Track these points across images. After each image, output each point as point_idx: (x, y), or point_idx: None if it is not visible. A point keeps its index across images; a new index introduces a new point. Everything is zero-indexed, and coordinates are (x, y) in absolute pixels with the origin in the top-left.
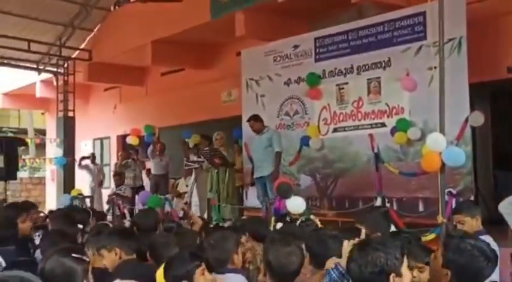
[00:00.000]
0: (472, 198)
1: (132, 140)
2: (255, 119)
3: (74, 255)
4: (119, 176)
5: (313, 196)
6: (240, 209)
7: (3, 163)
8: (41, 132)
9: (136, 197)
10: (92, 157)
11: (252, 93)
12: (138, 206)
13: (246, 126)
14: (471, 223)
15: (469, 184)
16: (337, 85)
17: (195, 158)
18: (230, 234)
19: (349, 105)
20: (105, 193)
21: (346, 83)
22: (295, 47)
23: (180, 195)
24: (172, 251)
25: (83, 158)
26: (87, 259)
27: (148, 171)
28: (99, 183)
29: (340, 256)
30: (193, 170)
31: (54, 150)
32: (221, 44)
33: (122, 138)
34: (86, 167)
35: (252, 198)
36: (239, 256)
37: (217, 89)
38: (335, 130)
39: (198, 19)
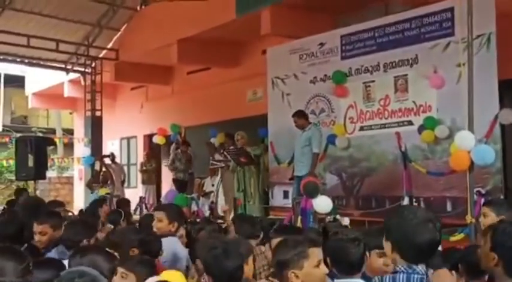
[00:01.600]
0: (502, 197)
1: (158, 140)
2: (299, 114)
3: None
4: (146, 173)
5: (340, 195)
6: (265, 208)
7: (32, 163)
8: (69, 132)
9: (163, 195)
10: (112, 156)
11: (277, 92)
12: None
13: (272, 125)
14: (494, 220)
15: (499, 183)
16: (363, 83)
17: (221, 158)
18: (243, 241)
19: (375, 103)
20: (130, 192)
21: (373, 81)
22: (321, 44)
23: (206, 195)
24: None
25: (103, 156)
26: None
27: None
28: (121, 183)
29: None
30: (219, 169)
31: (82, 149)
32: (247, 42)
33: (149, 138)
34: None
35: (279, 197)
36: (249, 265)
37: (243, 87)
38: (361, 128)
39: (223, 17)
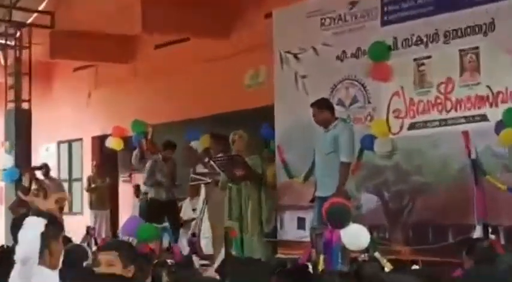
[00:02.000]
0: None
1: (113, 144)
2: (321, 105)
3: None
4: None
5: (380, 224)
6: (272, 243)
7: None
8: None
9: (121, 225)
10: (46, 168)
11: (288, 73)
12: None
13: (280, 122)
14: None
15: None
16: (415, 60)
17: (205, 170)
18: None
19: (432, 89)
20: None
21: (429, 57)
22: (353, 3)
23: (184, 224)
24: None
25: (33, 168)
26: None
27: (137, 188)
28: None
29: None
30: (203, 186)
31: (1, 158)
32: (243, 2)
33: (99, 141)
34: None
35: (291, 227)
36: None
37: (238, 67)
38: (412, 126)
39: None
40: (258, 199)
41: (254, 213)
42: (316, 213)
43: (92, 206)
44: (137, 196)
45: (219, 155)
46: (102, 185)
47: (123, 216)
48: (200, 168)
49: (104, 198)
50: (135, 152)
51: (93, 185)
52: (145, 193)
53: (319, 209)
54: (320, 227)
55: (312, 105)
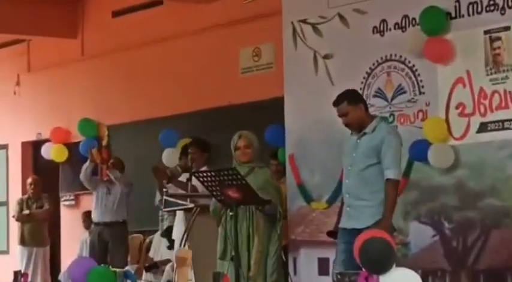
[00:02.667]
0: None
1: (53, 152)
2: (351, 98)
3: None
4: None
5: (438, 268)
6: None
7: None
8: None
9: (63, 271)
10: None
11: (304, 52)
12: None
13: (292, 121)
14: None
15: None
16: (486, 33)
17: (183, 189)
18: None
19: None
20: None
21: (507, 28)
22: None
23: (152, 268)
24: None
25: None
26: None
27: (87, 216)
28: None
29: None
30: (181, 214)
31: None
32: None
33: (33, 148)
34: None
35: (308, 271)
36: None
37: (231, 43)
38: (483, 128)
39: None
40: (264, 232)
41: (256, 251)
42: (341, 253)
43: (23, 241)
44: (87, 227)
45: (203, 168)
46: (39, 211)
47: (67, 256)
48: (175, 188)
49: (42, 230)
50: (85, 165)
51: (26, 212)
52: (98, 223)
53: (347, 246)
54: (350, 272)
55: (337, 101)
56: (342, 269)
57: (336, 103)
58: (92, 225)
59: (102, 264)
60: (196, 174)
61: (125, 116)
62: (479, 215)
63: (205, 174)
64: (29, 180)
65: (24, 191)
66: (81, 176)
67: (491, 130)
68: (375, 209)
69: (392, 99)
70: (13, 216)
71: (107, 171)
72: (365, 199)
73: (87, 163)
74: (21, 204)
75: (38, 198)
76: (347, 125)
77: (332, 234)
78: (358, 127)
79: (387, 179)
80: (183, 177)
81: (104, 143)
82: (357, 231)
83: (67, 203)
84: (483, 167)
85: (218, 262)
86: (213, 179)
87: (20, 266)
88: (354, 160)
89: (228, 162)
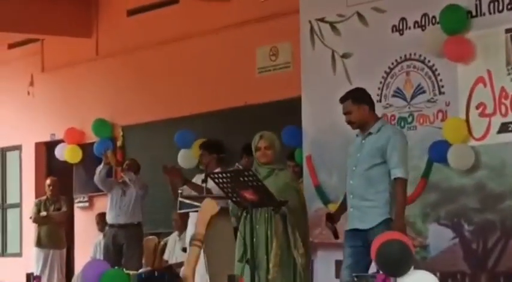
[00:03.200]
0: None
1: (67, 153)
2: (356, 96)
3: None
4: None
5: (458, 271)
6: None
7: None
8: None
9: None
10: None
11: (322, 51)
12: None
13: (310, 121)
14: None
15: None
16: (507, 31)
17: (198, 192)
18: None
19: None
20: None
21: None
22: None
23: (170, 270)
24: None
25: None
26: None
27: (101, 218)
28: None
29: None
30: (193, 215)
31: None
32: None
33: (47, 149)
34: None
35: (325, 274)
36: None
37: (248, 42)
38: (504, 128)
39: None
40: (282, 234)
41: (275, 254)
42: (347, 258)
43: (40, 243)
44: (101, 230)
45: (216, 170)
46: (57, 213)
47: (80, 259)
48: (188, 190)
49: (59, 233)
50: (99, 168)
51: (43, 213)
52: (113, 225)
53: (352, 250)
54: (366, 274)
55: (342, 98)
56: (348, 274)
57: (341, 100)
58: (106, 228)
59: (116, 267)
60: (212, 176)
61: (139, 117)
62: (499, 217)
63: (221, 175)
64: (48, 181)
65: (38, 193)
66: (96, 179)
67: None
68: (380, 209)
69: (411, 99)
70: (30, 218)
71: (122, 174)
72: (370, 199)
73: (101, 165)
74: (38, 205)
75: (56, 200)
76: (349, 123)
77: (330, 217)
78: (360, 126)
79: (395, 178)
80: (199, 179)
81: (119, 144)
82: (362, 233)
83: (81, 204)
84: (504, 168)
85: (236, 264)
86: (229, 180)
87: (36, 268)
88: (358, 160)
89: None
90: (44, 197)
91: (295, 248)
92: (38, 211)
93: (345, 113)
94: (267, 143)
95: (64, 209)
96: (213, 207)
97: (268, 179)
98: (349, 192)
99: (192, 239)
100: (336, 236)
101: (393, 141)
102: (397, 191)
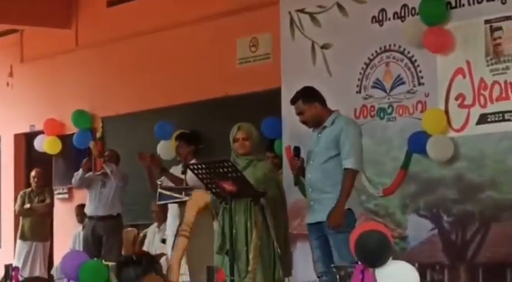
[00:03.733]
0: None
1: (47, 145)
2: (305, 96)
3: None
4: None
5: (437, 262)
6: None
7: None
8: None
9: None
10: None
11: (302, 42)
12: None
13: (289, 112)
14: None
15: None
16: (487, 22)
17: (177, 184)
18: None
19: None
20: None
21: (508, 18)
22: None
23: (148, 256)
24: None
25: None
26: None
27: (81, 209)
28: None
29: None
30: (176, 207)
31: None
32: None
33: (26, 140)
34: None
35: (305, 265)
36: None
37: (228, 34)
38: (483, 119)
39: None
40: (262, 225)
41: (255, 245)
42: (316, 249)
43: (23, 235)
44: (80, 221)
45: (192, 161)
46: (40, 205)
47: (59, 250)
48: (167, 181)
49: (43, 225)
50: (78, 174)
51: (26, 206)
52: (92, 217)
53: (319, 242)
54: (345, 265)
55: (294, 99)
56: (321, 265)
57: (292, 102)
58: (86, 219)
59: (95, 258)
60: (192, 167)
61: (119, 108)
62: (478, 208)
63: (200, 166)
64: (33, 173)
65: (17, 184)
66: (73, 183)
67: (492, 121)
68: (335, 201)
69: (391, 90)
70: (15, 211)
71: (103, 165)
72: (328, 191)
73: (80, 172)
74: (23, 197)
75: (40, 192)
76: (303, 123)
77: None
78: (315, 124)
79: (345, 168)
80: (176, 170)
81: (98, 135)
82: (324, 224)
83: (60, 196)
84: (483, 159)
85: (215, 256)
86: (208, 171)
87: (17, 261)
88: (315, 154)
89: (224, 154)
90: (29, 189)
91: (276, 240)
92: (23, 203)
93: (297, 114)
94: (245, 134)
95: (48, 200)
96: (202, 198)
97: (246, 170)
98: (308, 186)
99: (180, 228)
100: (301, 174)
101: (345, 132)
102: (344, 180)
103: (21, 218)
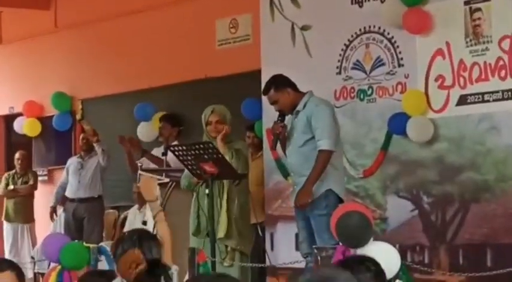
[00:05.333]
0: None
1: (27, 127)
2: (277, 84)
3: None
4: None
5: (417, 243)
6: (258, 270)
7: None
8: None
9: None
10: None
11: (282, 23)
12: (41, 266)
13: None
14: None
15: None
16: (466, 3)
17: (159, 165)
18: None
19: (492, 46)
20: None
21: None
22: None
23: None
24: None
25: None
26: None
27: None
28: None
29: None
30: (157, 188)
31: None
32: None
33: (5, 122)
34: None
35: (285, 246)
36: None
37: (207, 14)
38: (463, 100)
39: None
40: (240, 208)
41: (234, 228)
42: (302, 230)
43: (8, 217)
44: (61, 203)
45: (174, 143)
46: (23, 187)
47: (40, 232)
48: (147, 162)
49: (27, 207)
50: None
51: (10, 187)
52: (73, 200)
53: (304, 223)
54: (326, 246)
55: (264, 90)
56: (306, 246)
57: (264, 92)
58: (67, 202)
59: (76, 241)
60: (172, 149)
61: (99, 90)
62: (458, 189)
63: (181, 148)
64: (17, 155)
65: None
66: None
67: (471, 103)
68: (319, 182)
69: (370, 71)
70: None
71: (96, 145)
72: (306, 175)
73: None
74: (7, 179)
75: (25, 174)
76: (279, 111)
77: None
78: (291, 111)
79: (319, 150)
80: (158, 152)
81: (78, 117)
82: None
83: (40, 178)
84: (462, 140)
85: (191, 238)
86: (189, 153)
87: (6, 242)
88: (293, 139)
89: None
90: (13, 171)
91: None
92: (6, 185)
93: (271, 103)
94: (218, 117)
95: (31, 182)
96: (150, 185)
97: None
98: (290, 170)
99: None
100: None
101: (316, 113)
102: (317, 161)
103: (5, 199)
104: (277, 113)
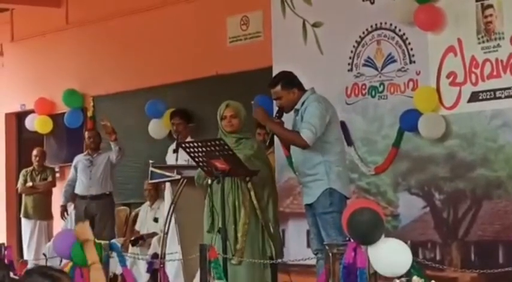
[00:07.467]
0: None
1: (39, 124)
2: (285, 81)
3: None
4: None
5: (428, 240)
6: (271, 267)
7: None
8: None
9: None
10: None
11: (293, 20)
12: (54, 262)
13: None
14: None
15: None
16: (477, 0)
17: (172, 161)
18: None
19: (504, 42)
20: None
21: None
22: None
23: (138, 241)
24: None
25: None
26: None
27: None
28: None
29: None
30: (168, 185)
31: None
32: None
33: (17, 119)
34: None
35: (296, 244)
36: None
37: (219, 11)
38: (475, 97)
39: None
40: (251, 204)
41: (244, 224)
42: (311, 227)
43: (27, 213)
44: (72, 201)
45: (187, 140)
46: (42, 183)
47: (55, 230)
48: (168, 159)
49: (45, 203)
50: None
51: (29, 184)
52: (84, 197)
53: (312, 219)
54: (337, 243)
55: (271, 84)
56: (316, 243)
57: (271, 86)
58: (77, 199)
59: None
60: (183, 145)
61: (110, 87)
62: (470, 186)
63: (192, 144)
64: (34, 152)
65: (8, 163)
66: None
67: (483, 99)
68: (320, 181)
69: (382, 68)
70: (18, 189)
71: (112, 143)
72: (309, 174)
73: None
74: (25, 176)
75: (42, 170)
76: (280, 108)
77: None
78: (291, 110)
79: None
80: (171, 150)
81: (89, 114)
82: (310, 206)
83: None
84: (474, 137)
85: (205, 235)
86: (200, 149)
87: (24, 239)
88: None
89: (215, 133)
90: (31, 168)
91: (262, 218)
92: (25, 182)
93: (275, 99)
94: (233, 111)
95: (50, 179)
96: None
97: (234, 148)
98: (295, 170)
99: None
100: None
101: (308, 109)
102: (293, 132)
103: (23, 196)
104: (276, 109)
